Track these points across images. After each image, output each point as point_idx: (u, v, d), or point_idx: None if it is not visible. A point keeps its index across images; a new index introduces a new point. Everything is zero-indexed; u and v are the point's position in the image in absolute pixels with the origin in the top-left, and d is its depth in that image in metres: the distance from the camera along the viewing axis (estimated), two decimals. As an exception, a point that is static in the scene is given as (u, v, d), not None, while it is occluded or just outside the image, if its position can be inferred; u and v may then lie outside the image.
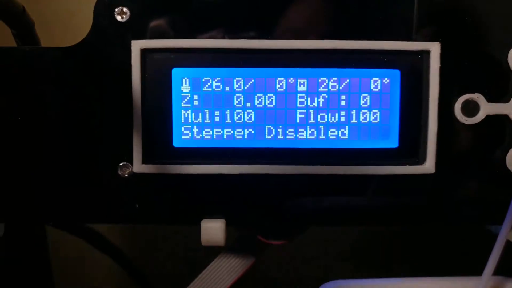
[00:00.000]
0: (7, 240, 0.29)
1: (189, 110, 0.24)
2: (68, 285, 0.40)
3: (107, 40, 0.23)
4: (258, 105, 0.24)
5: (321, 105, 0.24)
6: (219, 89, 0.24)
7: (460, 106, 0.24)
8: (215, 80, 0.24)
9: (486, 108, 0.24)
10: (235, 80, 0.24)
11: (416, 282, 0.23)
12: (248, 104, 0.24)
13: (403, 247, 0.37)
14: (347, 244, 0.38)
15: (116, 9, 0.23)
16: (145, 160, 0.24)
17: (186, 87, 0.24)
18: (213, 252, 0.29)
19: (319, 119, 0.24)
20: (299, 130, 0.24)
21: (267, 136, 0.24)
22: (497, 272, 0.22)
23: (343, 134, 0.24)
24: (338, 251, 0.38)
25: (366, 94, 0.24)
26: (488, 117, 0.24)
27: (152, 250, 0.39)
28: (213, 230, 0.24)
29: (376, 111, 0.24)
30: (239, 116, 0.24)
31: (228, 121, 0.24)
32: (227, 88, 0.24)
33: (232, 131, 0.24)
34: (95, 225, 0.34)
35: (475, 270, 0.24)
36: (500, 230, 0.21)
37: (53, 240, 0.34)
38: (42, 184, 0.24)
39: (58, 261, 0.35)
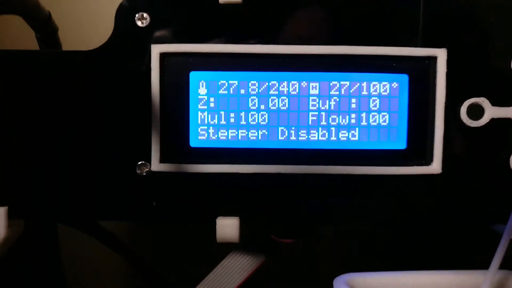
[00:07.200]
0: (24, 237, 0.30)
1: (206, 112, 0.25)
2: (79, 283, 0.40)
3: (127, 44, 0.24)
4: (272, 107, 0.25)
5: (332, 108, 0.25)
6: (234, 92, 0.25)
7: (465, 109, 0.25)
8: (231, 83, 0.25)
9: (491, 112, 0.24)
10: (250, 83, 0.25)
11: (425, 275, 0.24)
12: (262, 106, 0.25)
13: (411, 244, 0.38)
14: (358, 240, 0.39)
15: (137, 15, 0.24)
16: (162, 160, 0.25)
17: (203, 90, 0.25)
18: (224, 250, 0.29)
19: (330, 121, 0.25)
20: (311, 131, 0.25)
21: (280, 137, 0.25)
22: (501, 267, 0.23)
23: (353, 135, 0.25)
24: (349, 247, 0.39)
25: (376, 98, 0.25)
26: (493, 120, 0.25)
27: (162, 247, 0.40)
28: (228, 227, 0.25)
29: (385, 113, 0.25)
30: (253, 117, 0.25)
31: (243, 122, 0.25)
32: (242, 91, 0.25)
33: (246, 132, 0.25)
34: (107, 223, 0.34)
35: (479, 267, 0.25)
36: (505, 229, 0.22)
37: (63, 239, 0.34)
38: (62, 182, 0.25)
39: (69, 260, 0.36)
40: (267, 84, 0.25)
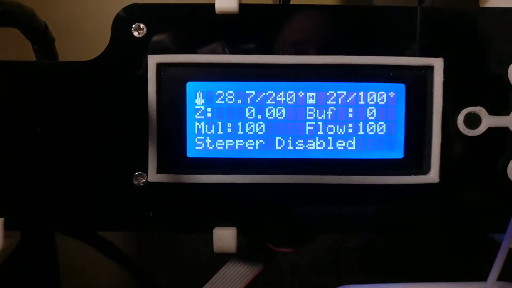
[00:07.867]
0: (21, 247, 0.30)
1: (203, 122, 0.25)
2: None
3: (124, 55, 0.24)
4: (268, 117, 0.25)
5: (329, 118, 0.25)
6: (231, 102, 0.25)
7: (462, 118, 0.25)
8: (228, 94, 0.25)
9: (488, 121, 0.24)
10: (246, 93, 0.25)
11: (423, 287, 0.24)
12: (259, 116, 0.25)
13: (408, 253, 0.38)
14: (354, 251, 0.39)
15: (133, 25, 0.24)
16: (159, 170, 0.25)
17: (199, 100, 0.25)
18: (222, 259, 0.29)
19: (327, 131, 0.25)
20: (308, 141, 0.25)
21: (277, 147, 0.25)
22: (499, 278, 0.23)
23: (350, 145, 0.25)
24: (346, 258, 0.39)
25: (373, 107, 0.25)
26: (490, 129, 0.24)
27: (160, 256, 0.40)
28: (225, 237, 0.25)
29: (382, 123, 0.25)
30: (250, 127, 0.25)
31: (240, 132, 0.25)
32: (239, 101, 0.25)
33: (243, 142, 0.25)
34: (105, 233, 0.34)
35: (478, 276, 0.25)
36: (504, 238, 0.22)
37: (61, 248, 0.34)
38: (59, 192, 0.25)
39: (65, 269, 0.36)
40: (264, 94, 0.25)
